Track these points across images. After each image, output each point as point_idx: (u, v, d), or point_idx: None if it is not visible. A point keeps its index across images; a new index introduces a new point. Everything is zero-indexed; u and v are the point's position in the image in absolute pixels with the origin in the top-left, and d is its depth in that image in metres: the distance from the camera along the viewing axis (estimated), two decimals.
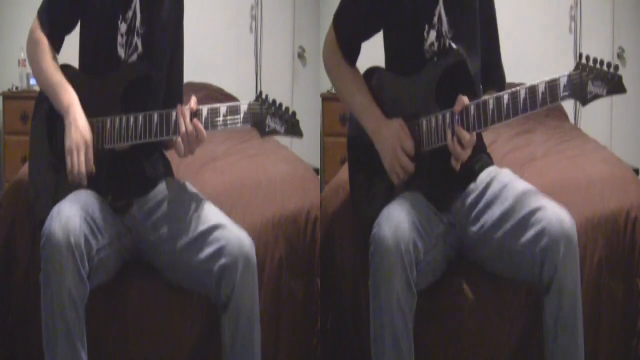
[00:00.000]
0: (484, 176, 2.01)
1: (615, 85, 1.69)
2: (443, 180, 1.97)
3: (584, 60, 1.71)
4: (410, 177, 1.98)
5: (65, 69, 2.02)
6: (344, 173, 2.34)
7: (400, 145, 1.97)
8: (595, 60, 1.70)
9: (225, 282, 1.86)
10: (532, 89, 1.77)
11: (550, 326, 1.84)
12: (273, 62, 4.56)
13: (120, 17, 1.98)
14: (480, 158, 2.05)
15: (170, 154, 2.14)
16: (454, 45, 1.97)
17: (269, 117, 1.86)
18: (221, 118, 1.87)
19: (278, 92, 1.88)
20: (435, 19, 1.99)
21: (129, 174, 2.00)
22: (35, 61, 2.01)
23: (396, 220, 1.83)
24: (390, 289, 1.81)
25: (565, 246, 1.80)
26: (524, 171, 2.44)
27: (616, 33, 4.20)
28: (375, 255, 1.83)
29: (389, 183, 2.02)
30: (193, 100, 1.90)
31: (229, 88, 4.01)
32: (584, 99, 1.72)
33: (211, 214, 1.95)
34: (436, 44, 1.99)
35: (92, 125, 1.94)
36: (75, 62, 2.05)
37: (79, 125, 1.91)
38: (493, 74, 2.09)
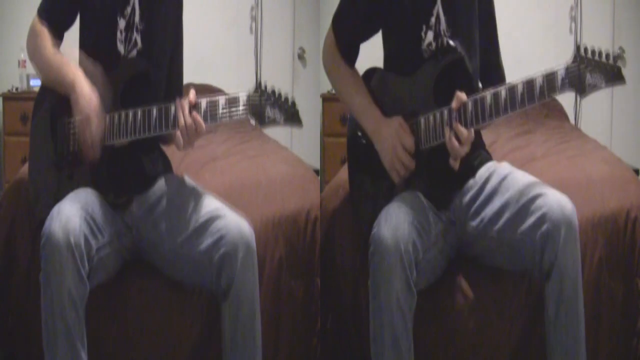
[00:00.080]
0: (482, 171, 2.01)
1: (614, 76, 1.67)
2: (442, 178, 1.97)
3: (582, 52, 1.70)
4: (410, 175, 1.98)
5: None
6: (344, 173, 2.35)
7: (400, 142, 1.97)
8: (593, 52, 1.68)
9: (226, 270, 1.86)
10: (529, 83, 1.76)
11: (552, 313, 1.84)
12: (273, 63, 4.56)
13: (119, 13, 1.99)
14: (479, 154, 2.05)
15: (171, 153, 2.14)
16: (451, 43, 1.97)
17: (268, 107, 1.85)
18: (220, 110, 1.86)
19: None
20: (433, 19, 1.99)
21: (129, 171, 2.01)
22: (37, 50, 2.01)
23: (396, 220, 1.83)
24: (389, 289, 1.81)
25: (566, 231, 1.80)
26: (525, 171, 2.44)
27: (616, 33, 4.20)
28: (374, 255, 1.83)
29: (389, 183, 2.02)
30: (192, 93, 1.90)
31: (229, 89, 3.96)
32: (582, 90, 1.70)
33: (210, 204, 1.95)
34: (434, 44, 2.00)
35: None
36: (74, 61, 2.06)
37: (85, 96, 1.91)
38: (493, 74, 2.09)
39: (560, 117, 3.58)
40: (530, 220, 1.85)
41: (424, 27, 1.99)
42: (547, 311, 1.85)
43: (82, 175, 1.97)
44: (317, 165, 4.06)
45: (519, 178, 1.95)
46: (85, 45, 2.04)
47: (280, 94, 1.85)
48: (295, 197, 2.34)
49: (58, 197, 1.89)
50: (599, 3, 4.28)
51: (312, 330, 2.27)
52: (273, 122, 1.85)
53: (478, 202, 1.97)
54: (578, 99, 4.17)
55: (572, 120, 3.95)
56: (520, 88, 1.77)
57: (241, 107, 1.85)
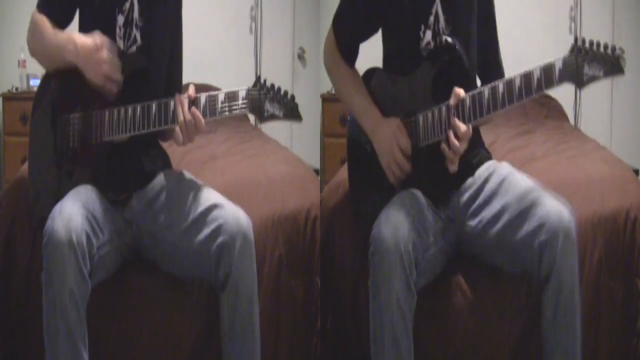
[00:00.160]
0: (482, 171, 2.01)
1: (613, 67, 1.66)
2: (441, 176, 1.97)
3: (579, 43, 1.69)
4: (407, 175, 1.99)
5: None
6: (343, 173, 2.35)
7: (397, 143, 1.97)
8: (592, 43, 1.67)
9: (224, 259, 1.87)
10: (527, 76, 1.76)
11: (549, 319, 1.84)
12: (273, 63, 4.56)
13: (118, 9, 1.99)
14: (478, 153, 2.06)
15: (171, 152, 2.14)
16: (449, 40, 1.98)
17: (267, 102, 1.85)
18: (219, 105, 1.86)
19: None
20: (432, 18, 1.99)
21: (128, 168, 2.01)
22: (40, 33, 2.01)
23: (395, 220, 1.84)
24: (389, 289, 1.81)
25: (563, 239, 1.80)
26: (524, 171, 2.44)
27: (616, 33, 4.20)
28: (374, 255, 1.83)
29: (388, 183, 2.02)
30: (191, 88, 1.90)
31: (229, 89, 4.01)
32: (581, 81, 1.69)
33: (208, 196, 1.96)
34: (432, 43, 2.00)
35: (91, 118, 1.95)
36: None
37: (86, 39, 1.91)
38: (492, 73, 2.09)
39: (560, 117, 3.58)
40: (529, 226, 1.85)
41: (423, 27, 2.00)
42: (545, 318, 1.86)
43: (82, 173, 1.97)
44: (317, 165, 4.06)
45: (519, 181, 1.95)
46: None
47: (279, 89, 1.86)
48: (295, 197, 2.34)
49: (58, 195, 1.89)
50: (599, 3, 4.28)
51: (312, 329, 2.27)
52: (272, 116, 1.85)
53: (477, 203, 1.97)
54: (578, 98, 4.17)
55: (571, 121, 3.95)
56: (518, 81, 1.77)
57: (240, 102, 1.85)
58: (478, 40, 2.04)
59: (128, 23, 2.00)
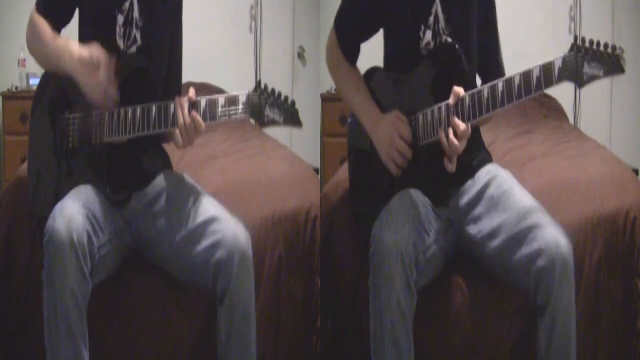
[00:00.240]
0: (482, 174, 2.01)
1: (613, 66, 1.65)
2: (441, 176, 1.97)
3: (579, 42, 1.68)
4: (407, 172, 1.98)
5: None
6: (343, 172, 2.35)
7: (397, 131, 1.97)
8: (591, 42, 1.67)
9: (222, 276, 1.86)
10: (526, 74, 1.75)
11: (543, 349, 1.85)
12: (273, 62, 4.56)
13: (117, 8, 1.99)
14: (479, 155, 2.06)
15: (170, 150, 2.14)
16: (449, 40, 1.98)
17: (267, 107, 1.84)
18: (220, 109, 1.86)
19: None
20: (432, 18, 2.00)
21: (128, 168, 2.01)
22: (35, 38, 2.01)
23: (396, 220, 1.84)
24: (390, 289, 1.81)
25: (560, 269, 1.80)
26: (524, 171, 2.45)
27: (615, 33, 4.20)
28: (375, 255, 1.83)
29: (389, 182, 2.02)
30: (191, 91, 1.90)
31: (228, 88, 3.98)
32: (580, 80, 1.68)
33: (208, 206, 1.95)
34: (432, 43, 2.01)
35: (90, 119, 1.95)
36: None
37: (82, 60, 1.90)
38: (492, 73, 2.09)
39: (560, 117, 3.58)
40: (526, 250, 1.84)
41: (423, 27, 2.01)
42: (538, 347, 1.86)
43: (82, 172, 1.97)
44: (317, 165, 4.06)
45: (519, 197, 1.94)
46: (84, 40, 2.03)
47: (279, 94, 1.85)
48: (295, 196, 2.34)
49: (58, 194, 1.89)
50: (599, 3, 4.27)
51: (311, 329, 2.27)
52: (272, 122, 1.85)
53: (477, 211, 1.96)
54: (578, 98, 4.17)
55: (571, 120, 3.95)
56: (517, 80, 1.76)
57: (240, 107, 1.85)
58: (478, 41, 2.04)
59: (128, 22, 1.99)
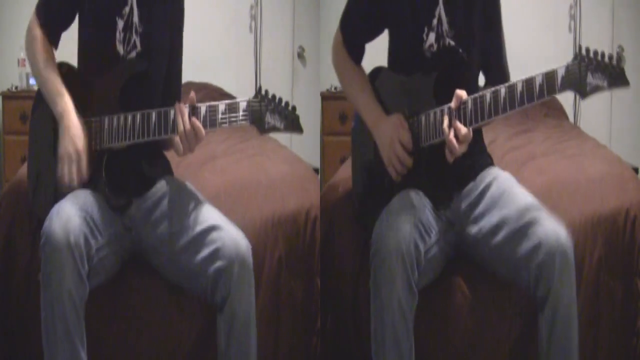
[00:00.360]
0: (484, 176, 2.01)
1: (617, 78, 1.64)
2: (443, 177, 1.98)
3: (583, 52, 1.67)
4: (409, 173, 1.99)
5: (63, 67, 2.02)
6: (343, 171, 2.35)
7: (398, 138, 1.97)
8: (595, 53, 1.66)
9: (221, 285, 1.86)
10: (529, 82, 1.75)
11: (544, 343, 1.85)
12: (273, 62, 4.55)
13: (117, 13, 1.98)
14: (480, 158, 2.06)
15: (170, 152, 2.13)
16: (452, 44, 1.98)
17: (268, 114, 1.84)
18: (220, 116, 1.86)
19: (278, 92, 1.87)
20: (435, 21, 2.00)
21: (128, 174, 2.00)
22: (33, 61, 2.01)
23: (397, 221, 1.84)
24: (391, 289, 1.81)
25: (560, 262, 1.80)
26: (524, 170, 2.45)
27: (616, 32, 4.19)
28: (376, 256, 1.84)
29: (390, 182, 2.03)
30: (192, 94, 1.89)
31: (228, 88, 4.01)
32: (583, 91, 1.67)
33: (208, 214, 1.95)
34: (435, 45, 2.01)
35: (90, 125, 1.95)
36: (73, 61, 2.05)
37: (71, 133, 1.91)
38: (496, 75, 2.08)
39: (560, 116, 3.58)
40: (526, 245, 1.85)
41: (426, 29, 2.01)
42: (540, 342, 1.86)
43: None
44: (317, 164, 4.06)
45: (519, 195, 1.95)
46: (84, 44, 2.04)
47: (280, 100, 1.85)
48: (295, 197, 2.34)
49: (57, 196, 1.89)
50: (599, 1, 4.27)
51: (311, 330, 2.27)
52: (273, 128, 1.85)
53: (478, 211, 1.97)
54: (577, 97, 4.16)
55: (571, 119, 3.94)
56: (519, 87, 1.76)
57: (241, 114, 1.85)
58: (482, 42, 2.04)
59: (128, 28, 1.99)
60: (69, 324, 1.75)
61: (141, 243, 2.00)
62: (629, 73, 1.68)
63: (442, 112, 1.91)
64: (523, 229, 1.86)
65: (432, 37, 2.01)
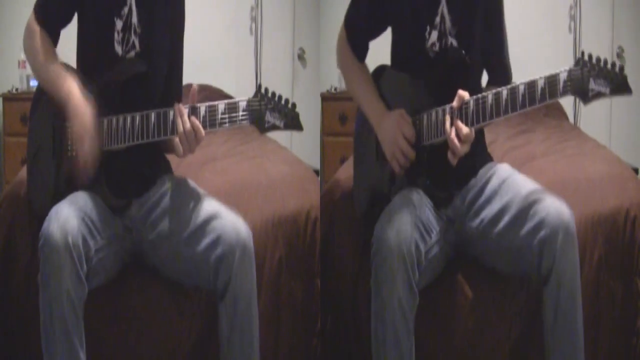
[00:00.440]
0: (483, 171, 2.02)
1: (619, 85, 1.64)
2: (444, 176, 1.98)
3: (585, 58, 1.67)
4: (409, 171, 1.99)
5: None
6: (343, 172, 2.36)
7: (401, 131, 1.98)
8: (598, 59, 1.66)
9: (223, 270, 1.86)
10: (531, 85, 1.75)
11: (550, 317, 1.84)
12: (273, 64, 4.56)
13: (116, 13, 1.98)
14: (481, 157, 2.07)
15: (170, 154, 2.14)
16: (455, 43, 1.99)
17: (268, 113, 1.84)
18: (219, 116, 1.85)
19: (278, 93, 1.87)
20: (438, 19, 2.01)
21: (127, 174, 2.00)
22: (32, 54, 2.00)
23: (398, 220, 1.84)
24: (392, 290, 1.81)
25: (563, 236, 1.81)
26: (524, 170, 2.43)
27: (616, 33, 4.19)
28: (377, 256, 1.84)
29: (391, 181, 2.03)
30: (194, 88, 1.89)
31: (228, 89, 4.01)
32: (585, 96, 1.67)
33: (208, 206, 1.95)
34: (438, 44, 2.02)
35: None
36: (72, 60, 2.05)
37: (79, 114, 1.89)
38: (498, 75, 2.09)
39: (560, 116, 3.58)
40: (529, 225, 1.85)
41: (429, 28, 2.02)
42: (545, 316, 1.86)
43: (81, 179, 1.96)
44: (317, 165, 4.06)
45: (519, 182, 1.96)
46: (83, 45, 2.04)
47: (280, 97, 1.84)
48: (295, 198, 2.34)
49: (56, 198, 1.89)
50: (599, 3, 4.27)
51: (312, 330, 2.27)
52: (273, 127, 1.84)
53: (478, 203, 1.97)
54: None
55: (571, 119, 3.95)
56: (521, 89, 1.76)
57: (241, 113, 1.84)
58: (485, 40, 2.04)
59: (126, 28, 1.99)
60: (67, 325, 1.75)
61: (141, 242, 2.00)
62: (629, 73, 1.68)
63: (443, 111, 1.91)
64: (525, 210, 1.87)
65: (434, 35, 2.02)
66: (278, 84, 4.52)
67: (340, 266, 2.21)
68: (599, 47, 4.04)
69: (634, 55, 4.08)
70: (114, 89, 1.95)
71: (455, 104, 1.88)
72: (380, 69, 2.16)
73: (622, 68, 1.65)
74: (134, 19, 1.99)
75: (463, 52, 1.98)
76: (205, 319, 2.04)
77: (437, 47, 2.02)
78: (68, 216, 1.78)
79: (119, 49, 1.99)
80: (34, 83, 4.17)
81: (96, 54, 2.01)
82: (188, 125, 1.85)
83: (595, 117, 4.22)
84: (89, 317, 1.82)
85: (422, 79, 2.00)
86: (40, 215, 1.89)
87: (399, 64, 2.12)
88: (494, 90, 1.82)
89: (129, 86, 1.96)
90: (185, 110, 1.86)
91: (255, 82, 4.52)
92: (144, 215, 1.99)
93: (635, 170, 3.34)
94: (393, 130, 1.99)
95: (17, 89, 4.26)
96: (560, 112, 3.63)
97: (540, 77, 1.74)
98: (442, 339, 2.04)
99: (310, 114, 4.11)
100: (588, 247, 2.08)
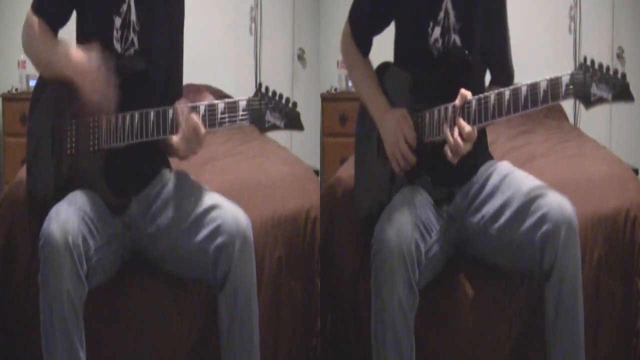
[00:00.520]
0: (484, 169, 2.03)
1: (621, 92, 1.65)
2: (445, 175, 1.98)
3: (588, 63, 1.68)
4: (411, 168, 1.99)
5: None
6: (343, 172, 2.36)
7: (403, 134, 1.98)
8: (600, 65, 1.67)
9: (222, 260, 1.86)
10: (533, 86, 1.75)
11: (551, 313, 1.84)
12: (273, 64, 4.56)
13: (114, 11, 1.98)
14: (483, 157, 2.07)
15: None
16: (458, 41, 1.99)
17: (268, 112, 1.83)
18: (219, 115, 1.85)
19: None
20: (442, 14, 2.01)
21: (127, 173, 2.00)
22: (31, 40, 1.99)
23: (398, 220, 1.84)
24: (392, 289, 1.81)
25: (566, 231, 1.81)
26: (524, 170, 2.44)
27: (616, 33, 4.20)
28: (377, 256, 1.84)
29: (391, 180, 2.03)
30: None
31: (228, 90, 4.00)
32: (587, 100, 1.68)
33: (207, 197, 1.95)
34: (440, 40, 2.02)
35: (87, 124, 1.94)
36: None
37: (78, 66, 1.88)
38: (501, 73, 2.09)
39: (560, 117, 3.58)
40: (531, 220, 1.85)
41: (432, 23, 2.02)
42: (547, 311, 1.86)
43: (80, 178, 1.96)
44: (317, 165, 4.06)
45: (520, 178, 1.96)
46: (81, 42, 2.03)
47: (280, 96, 1.83)
48: (294, 198, 2.34)
49: (56, 197, 1.89)
50: (599, 3, 4.27)
51: (311, 330, 2.27)
52: (273, 126, 1.83)
53: (479, 200, 1.98)
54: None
55: (571, 120, 3.95)
56: (524, 91, 1.77)
57: (240, 113, 1.84)
58: (488, 38, 2.04)
59: (125, 26, 1.99)
60: (67, 324, 1.75)
61: (141, 238, 2.00)
62: (629, 74, 1.68)
63: (446, 110, 1.91)
64: (526, 206, 1.87)
65: (437, 31, 2.02)
66: (278, 84, 4.47)
67: (340, 266, 2.21)
68: (599, 48, 4.05)
69: (634, 56, 4.09)
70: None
71: (457, 102, 1.88)
72: (384, 65, 2.17)
73: (624, 75, 1.66)
74: (133, 17, 1.99)
75: (466, 52, 1.98)
76: (205, 318, 2.04)
77: (439, 44, 2.02)
78: (68, 216, 1.78)
79: (117, 46, 1.99)
80: (33, 83, 4.16)
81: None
82: (188, 121, 1.84)
83: (596, 118, 4.22)
84: (89, 316, 1.82)
85: (425, 77, 2.00)
86: (40, 215, 1.88)
87: (402, 61, 2.13)
88: (496, 91, 1.82)
89: (128, 85, 1.96)
90: (185, 109, 1.86)
91: (255, 82, 4.52)
92: (143, 211, 1.99)
93: (636, 171, 3.34)
94: (394, 130, 1.99)
95: (16, 89, 4.26)
96: (561, 113, 3.63)
97: (543, 80, 1.74)
98: (442, 339, 2.05)
99: (310, 114, 4.11)
100: (588, 247, 2.08)
